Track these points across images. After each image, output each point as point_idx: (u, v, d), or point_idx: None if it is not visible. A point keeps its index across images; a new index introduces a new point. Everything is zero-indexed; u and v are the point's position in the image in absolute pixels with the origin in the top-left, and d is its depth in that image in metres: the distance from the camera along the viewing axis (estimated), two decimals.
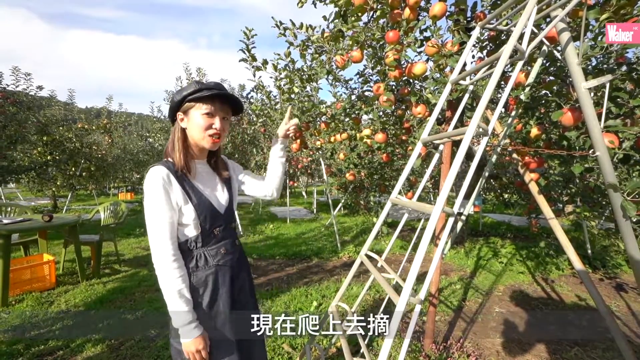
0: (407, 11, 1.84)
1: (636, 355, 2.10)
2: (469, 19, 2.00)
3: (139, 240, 5.45)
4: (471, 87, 1.44)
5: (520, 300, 2.97)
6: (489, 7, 2.08)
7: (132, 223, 6.97)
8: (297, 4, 2.39)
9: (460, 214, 2.68)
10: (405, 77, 2.04)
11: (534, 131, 1.96)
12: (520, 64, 1.10)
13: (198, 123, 1.06)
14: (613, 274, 3.65)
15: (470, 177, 1.11)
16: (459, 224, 2.17)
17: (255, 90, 2.94)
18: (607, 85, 1.23)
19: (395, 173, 4.17)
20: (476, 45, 2.38)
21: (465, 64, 1.52)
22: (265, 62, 2.16)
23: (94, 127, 8.66)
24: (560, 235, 1.87)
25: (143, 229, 6.52)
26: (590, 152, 1.28)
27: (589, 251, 3.89)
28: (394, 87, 2.33)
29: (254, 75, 2.51)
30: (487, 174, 2.04)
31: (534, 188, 1.98)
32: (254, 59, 2.14)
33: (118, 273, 3.58)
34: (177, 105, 1.07)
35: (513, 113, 1.99)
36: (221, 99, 1.08)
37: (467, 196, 2.70)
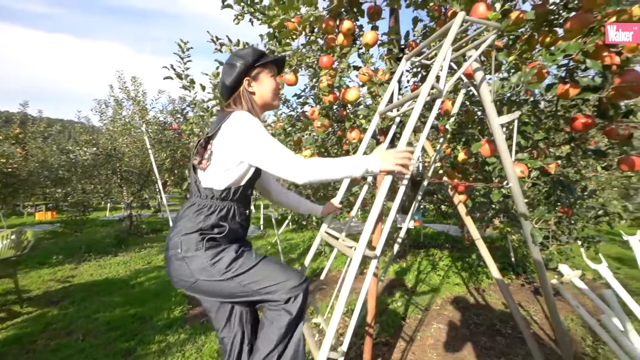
0: (340, 37, 1.85)
1: (547, 358, 2.31)
2: (403, 46, 2.07)
3: (54, 270, 4.67)
4: (398, 119, 1.47)
5: (456, 313, 3.12)
6: (420, 37, 2.20)
7: (49, 249, 6.02)
8: (234, 21, 2.28)
9: (401, 235, 2.73)
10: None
11: (461, 155, 2.09)
12: (438, 101, 1.13)
13: (270, 85, 1.19)
14: (532, 279, 4.05)
15: (399, 202, 1.10)
16: (396, 246, 2.21)
17: (191, 107, 2.74)
18: (515, 121, 1.33)
19: (337, 191, 4.18)
20: (409, 71, 2.49)
21: (393, 93, 1.55)
22: (192, 82, 2.00)
23: (1, 137, 7.42)
24: (484, 252, 1.98)
25: (61, 256, 5.63)
26: (505, 183, 1.36)
27: (513, 259, 4.29)
28: (332, 109, 2.32)
29: (189, 91, 2.33)
30: (419, 197, 2.11)
31: (462, 210, 2.09)
32: (180, 77, 1.97)
33: (17, 316, 2.99)
34: (245, 71, 1.15)
35: (442, 140, 2.10)
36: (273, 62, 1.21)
37: (405, 212, 2.79)
